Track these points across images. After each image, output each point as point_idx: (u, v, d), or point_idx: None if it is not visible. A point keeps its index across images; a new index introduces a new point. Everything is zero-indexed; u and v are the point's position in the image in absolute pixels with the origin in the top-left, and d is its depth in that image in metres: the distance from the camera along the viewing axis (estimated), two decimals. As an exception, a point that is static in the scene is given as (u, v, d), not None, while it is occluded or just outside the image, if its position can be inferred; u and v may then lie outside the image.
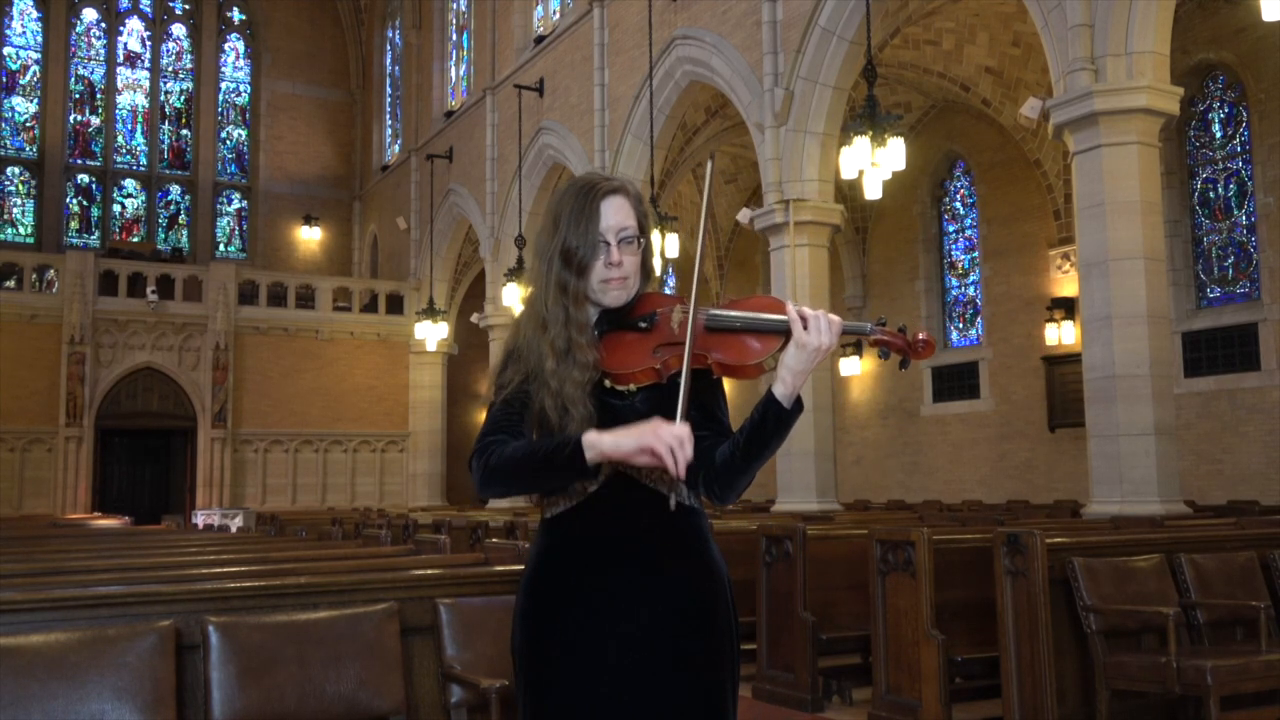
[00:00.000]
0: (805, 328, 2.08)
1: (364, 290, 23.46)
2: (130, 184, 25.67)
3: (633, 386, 2.15)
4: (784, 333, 2.11)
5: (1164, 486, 8.14)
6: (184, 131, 26.40)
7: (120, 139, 25.68)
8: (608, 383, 2.14)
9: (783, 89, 12.09)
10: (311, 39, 27.37)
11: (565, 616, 2.11)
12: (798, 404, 2.11)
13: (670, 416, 2.04)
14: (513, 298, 16.49)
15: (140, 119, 25.96)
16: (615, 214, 2.18)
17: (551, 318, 2.15)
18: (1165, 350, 8.52)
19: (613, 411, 2.14)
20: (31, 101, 24.76)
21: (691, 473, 2.17)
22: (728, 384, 2.28)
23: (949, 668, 5.47)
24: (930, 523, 8.24)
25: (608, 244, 2.17)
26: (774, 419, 2.11)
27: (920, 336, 2.11)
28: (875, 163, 9.51)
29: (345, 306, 22.91)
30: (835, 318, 2.09)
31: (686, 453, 1.95)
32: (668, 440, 1.94)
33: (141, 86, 26.05)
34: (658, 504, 2.13)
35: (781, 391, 2.10)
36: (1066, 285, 14.06)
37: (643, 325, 2.17)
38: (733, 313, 2.15)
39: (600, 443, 1.98)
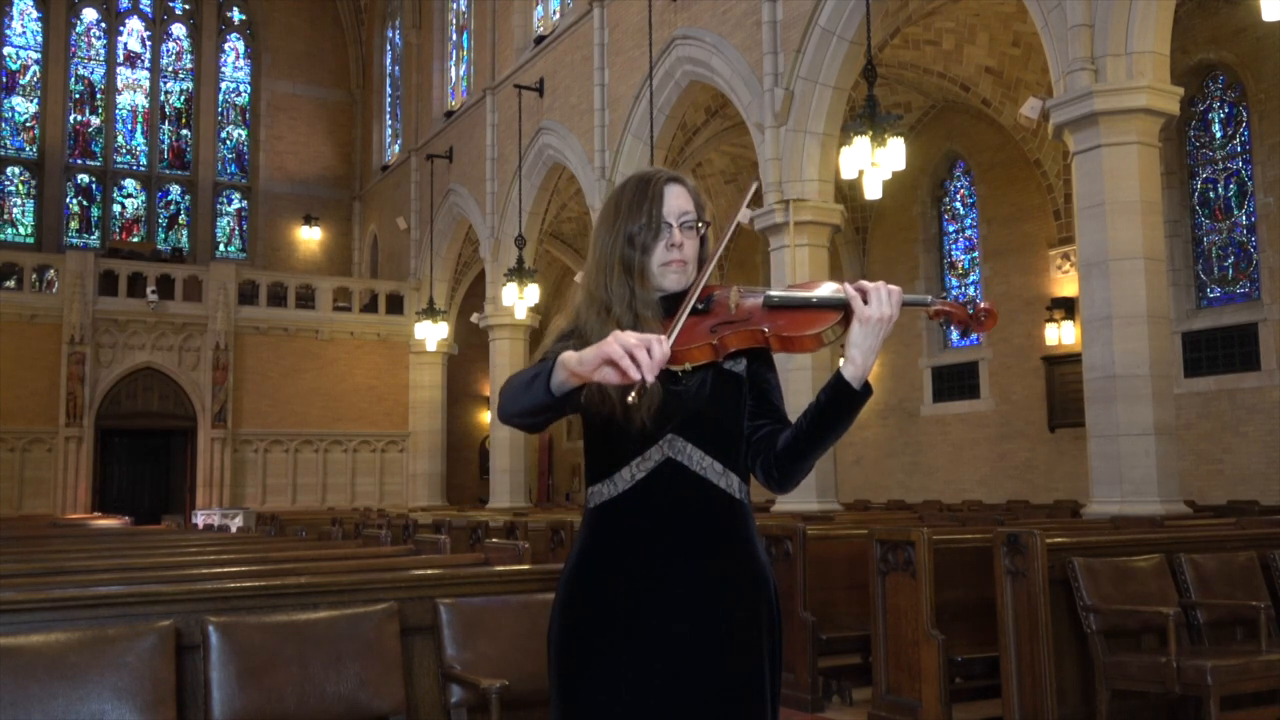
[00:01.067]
0: (865, 302, 2.06)
1: (364, 290, 23.46)
2: (130, 184, 25.67)
3: (687, 366, 2.12)
4: (840, 306, 2.10)
5: (1164, 486, 8.14)
6: (184, 131, 26.40)
7: (120, 139, 25.67)
8: None
9: (783, 89, 12.08)
10: (311, 39, 27.37)
11: (604, 610, 2.09)
12: (867, 386, 2.08)
13: (730, 401, 2.09)
14: (512, 297, 16.48)
15: (140, 119, 25.95)
16: (676, 199, 2.20)
17: (616, 298, 2.15)
18: (1165, 350, 8.51)
19: (671, 396, 2.11)
20: (31, 101, 24.76)
21: (733, 458, 2.15)
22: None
23: (949, 668, 5.47)
24: (930, 523, 8.24)
25: (670, 226, 2.18)
26: (844, 401, 2.08)
27: (983, 306, 2.09)
28: (875, 163, 9.50)
29: (345, 306, 22.91)
30: (895, 288, 2.07)
31: (656, 354, 1.82)
32: (626, 343, 1.82)
33: (141, 86, 26.05)
34: (703, 497, 2.11)
35: (851, 372, 2.06)
36: (1066, 285, 14.05)
37: (700, 307, 2.16)
38: (790, 293, 2.15)
39: (568, 359, 1.91)
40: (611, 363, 1.84)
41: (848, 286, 2.09)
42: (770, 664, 2.14)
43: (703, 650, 2.06)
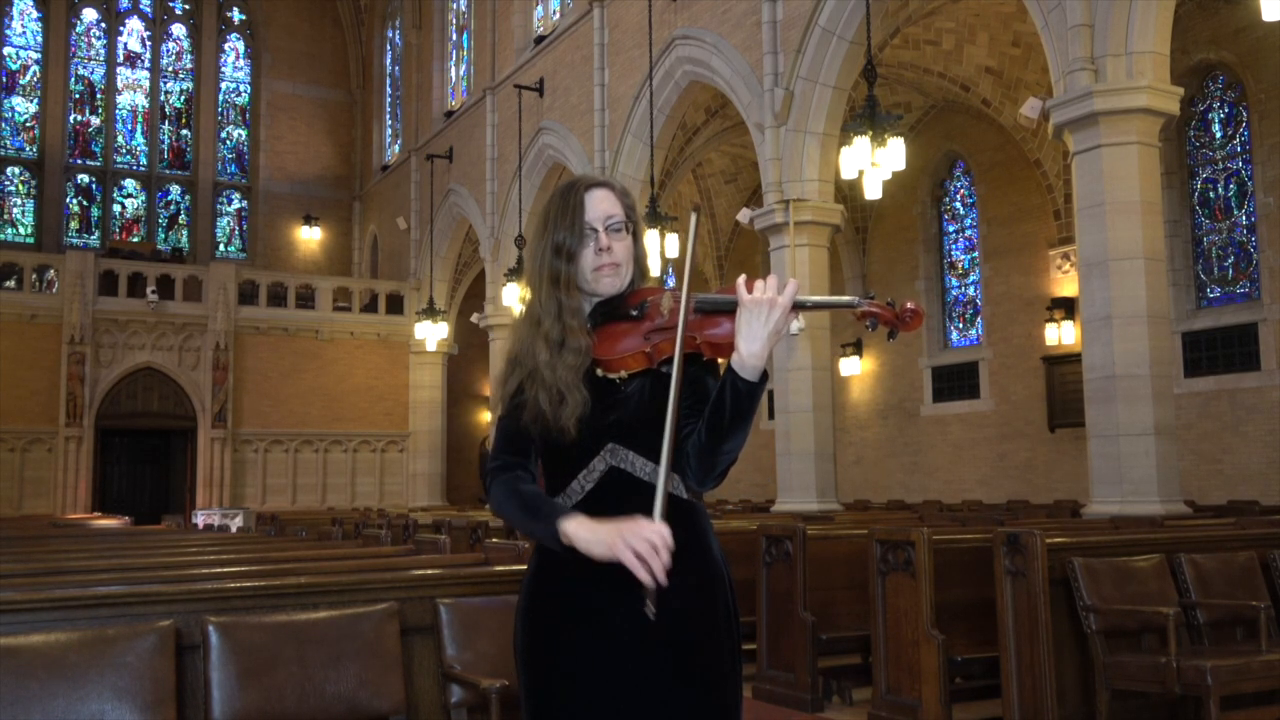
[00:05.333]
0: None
1: (364, 290, 23.46)
2: (130, 184, 25.66)
3: (623, 374, 2.13)
4: None
5: (1164, 486, 8.14)
6: (184, 131, 26.40)
7: (120, 139, 25.67)
8: (599, 372, 2.14)
9: (783, 89, 12.08)
10: (311, 39, 27.37)
11: (564, 617, 2.11)
12: (764, 377, 2.04)
13: (662, 401, 2.03)
14: (513, 297, 16.48)
15: (140, 119, 25.95)
16: (600, 204, 2.20)
17: (545, 311, 2.17)
18: (1165, 350, 8.51)
19: (609, 403, 2.14)
20: (31, 101, 24.75)
21: (678, 461, 2.16)
22: None
23: (949, 668, 5.47)
24: (930, 523, 8.24)
25: (595, 231, 2.18)
26: (730, 390, 2.05)
27: (908, 306, 2.06)
28: (875, 163, 9.50)
29: (345, 306, 22.91)
30: (793, 280, 2.05)
31: (663, 558, 1.92)
32: (638, 548, 1.92)
33: (141, 86, 26.04)
34: (650, 501, 2.10)
35: (735, 360, 2.04)
36: (1066, 285, 14.05)
37: (634, 314, 2.17)
38: (719, 297, 2.13)
39: (574, 537, 2.00)
40: (616, 561, 1.95)
41: (742, 279, 2.06)
42: (731, 659, 2.16)
43: (662, 654, 2.07)
